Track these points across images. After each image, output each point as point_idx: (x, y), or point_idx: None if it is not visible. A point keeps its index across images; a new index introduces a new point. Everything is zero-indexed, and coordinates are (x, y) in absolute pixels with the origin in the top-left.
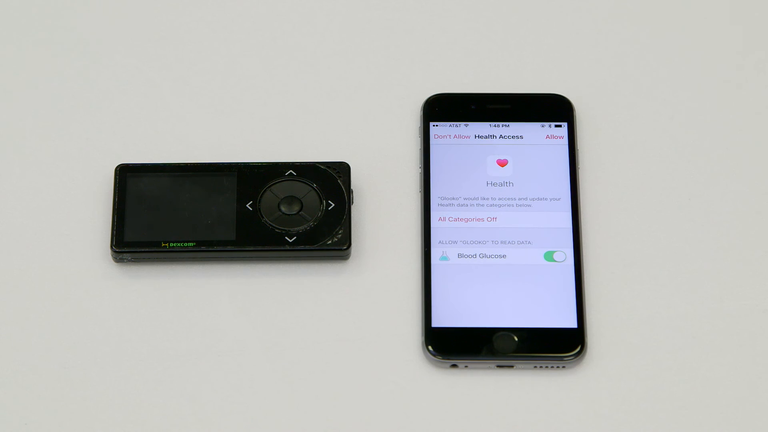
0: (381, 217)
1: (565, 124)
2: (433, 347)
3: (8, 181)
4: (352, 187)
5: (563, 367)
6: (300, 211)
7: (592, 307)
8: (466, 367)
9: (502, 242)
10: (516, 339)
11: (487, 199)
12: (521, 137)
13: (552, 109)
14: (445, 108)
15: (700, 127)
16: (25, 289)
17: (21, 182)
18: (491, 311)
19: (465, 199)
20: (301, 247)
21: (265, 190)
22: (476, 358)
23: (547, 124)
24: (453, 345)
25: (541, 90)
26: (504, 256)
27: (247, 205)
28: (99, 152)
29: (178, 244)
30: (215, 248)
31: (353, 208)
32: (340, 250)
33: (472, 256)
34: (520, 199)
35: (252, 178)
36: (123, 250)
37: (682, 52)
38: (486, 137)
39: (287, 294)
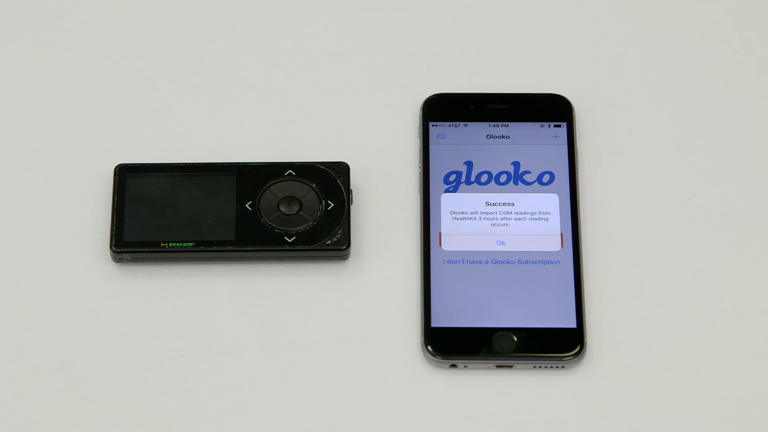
0: (380, 217)
1: (564, 124)
2: (432, 347)
3: (8, 181)
4: (351, 187)
5: (563, 367)
6: (299, 211)
7: (591, 307)
8: (465, 367)
9: (501, 242)
10: (515, 339)
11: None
12: (521, 137)
13: (552, 109)
14: (444, 108)
15: (700, 127)
16: (25, 288)
17: (21, 182)
18: (490, 311)
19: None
20: (301, 247)
21: (264, 190)
22: (476, 358)
23: (546, 124)
24: (452, 345)
25: (541, 90)
26: (503, 256)
27: (247, 205)
28: (99, 152)
29: (178, 244)
30: (214, 248)
31: (353, 208)
32: (340, 250)
33: (472, 256)
34: (519, 199)
35: (251, 178)
36: (122, 250)
37: (681, 52)
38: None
39: (287, 294)
